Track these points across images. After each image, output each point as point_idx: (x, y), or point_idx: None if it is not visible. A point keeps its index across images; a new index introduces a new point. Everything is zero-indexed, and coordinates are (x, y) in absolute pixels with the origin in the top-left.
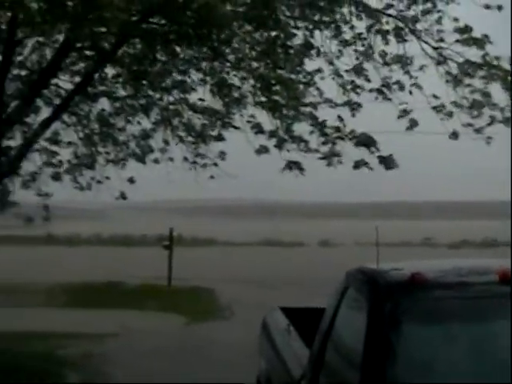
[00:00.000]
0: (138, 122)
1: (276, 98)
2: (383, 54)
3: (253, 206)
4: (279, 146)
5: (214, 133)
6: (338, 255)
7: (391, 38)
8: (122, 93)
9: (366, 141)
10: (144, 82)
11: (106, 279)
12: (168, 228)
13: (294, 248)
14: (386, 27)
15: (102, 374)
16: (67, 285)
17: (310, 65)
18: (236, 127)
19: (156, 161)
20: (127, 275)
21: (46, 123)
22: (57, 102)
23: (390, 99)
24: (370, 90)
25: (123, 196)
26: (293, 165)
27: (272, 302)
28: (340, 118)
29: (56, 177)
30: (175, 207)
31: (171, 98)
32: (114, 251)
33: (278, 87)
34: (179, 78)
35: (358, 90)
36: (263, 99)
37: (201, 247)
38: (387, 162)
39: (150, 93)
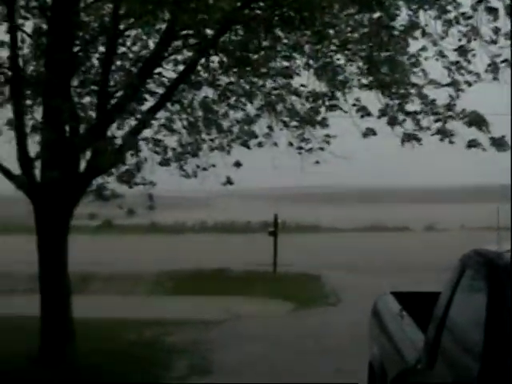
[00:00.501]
0: (242, 109)
1: (384, 77)
2: (495, 30)
3: (357, 191)
4: (392, 123)
5: (319, 117)
6: (443, 240)
7: (500, 15)
8: (225, 80)
9: (477, 120)
10: (247, 68)
11: (212, 266)
12: (272, 215)
13: (399, 233)
14: (495, 5)
15: (210, 361)
16: (174, 272)
17: (413, 46)
18: (344, 111)
19: (260, 144)
20: (233, 262)
21: (151, 112)
22: (160, 91)
23: (497, 79)
24: (470, 72)
25: (229, 181)
26: (409, 137)
27: (378, 288)
28: (451, 97)
29: (164, 163)
30: (279, 194)
31: (274, 84)
32: (218, 238)
33: (385, 68)
34: (283, 63)
35: (463, 71)
36: (371, 79)
37: (305, 234)
38: (499, 144)
39: (253, 79)
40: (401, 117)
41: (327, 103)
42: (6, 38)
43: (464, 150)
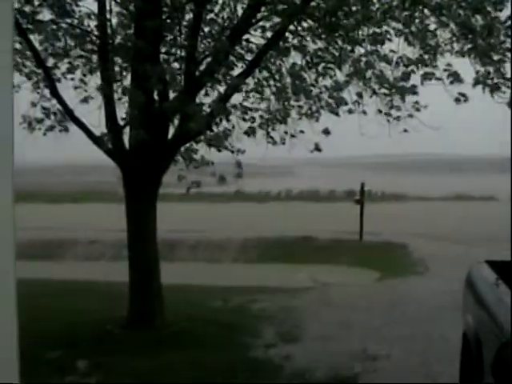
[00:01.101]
0: (330, 76)
1: (480, 42)
2: None
3: (443, 160)
4: (493, 89)
5: (409, 84)
6: None
7: None
8: (313, 46)
9: None
10: (336, 34)
11: (298, 234)
12: (356, 183)
13: (485, 203)
14: None
15: (298, 328)
16: (259, 240)
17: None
18: (438, 78)
19: (350, 111)
20: (318, 230)
21: (240, 79)
22: (248, 57)
23: None
24: None
25: (318, 148)
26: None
27: (466, 257)
28: None
29: (250, 132)
30: (364, 163)
31: (362, 50)
32: (303, 206)
33: (480, 33)
34: (373, 29)
35: None
36: (466, 44)
37: (391, 202)
38: None
39: (343, 45)
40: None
41: (421, 71)
42: (94, 6)
43: None
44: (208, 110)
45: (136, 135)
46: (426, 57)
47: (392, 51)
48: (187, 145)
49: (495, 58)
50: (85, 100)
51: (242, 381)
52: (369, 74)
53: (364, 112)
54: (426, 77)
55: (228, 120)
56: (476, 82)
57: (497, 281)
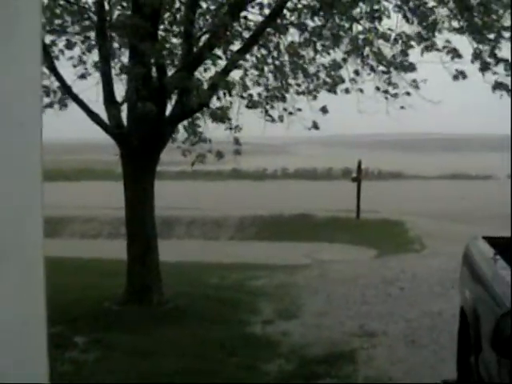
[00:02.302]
0: (328, 53)
1: (476, 20)
2: None
3: (439, 139)
4: (483, 68)
5: (407, 61)
6: None
7: None
8: (311, 24)
9: None
10: (334, 11)
11: (295, 212)
12: (353, 162)
13: (481, 181)
14: None
15: (295, 305)
16: (256, 218)
17: None
18: (437, 49)
19: (347, 90)
20: (315, 208)
21: (240, 54)
22: (246, 35)
23: None
24: None
25: (315, 126)
26: (500, 86)
27: (464, 235)
28: None
29: (251, 106)
30: (361, 141)
31: (360, 28)
32: (300, 185)
33: (477, 10)
34: (371, 6)
35: None
36: (462, 23)
37: (388, 181)
38: None
39: (340, 22)
40: (493, 63)
41: (419, 47)
42: None
43: None
44: (208, 85)
45: (143, 107)
46: (424, 33)
47: (390, 29)
48: (189, 120)
49: (491, 36)
50: (83, 76)
51: (239, 356)
52: (367, 51)
53: (361, 90)
54: (426, 49)
55: (230, 95)
56: (474, 58)
57: (494, 255)
